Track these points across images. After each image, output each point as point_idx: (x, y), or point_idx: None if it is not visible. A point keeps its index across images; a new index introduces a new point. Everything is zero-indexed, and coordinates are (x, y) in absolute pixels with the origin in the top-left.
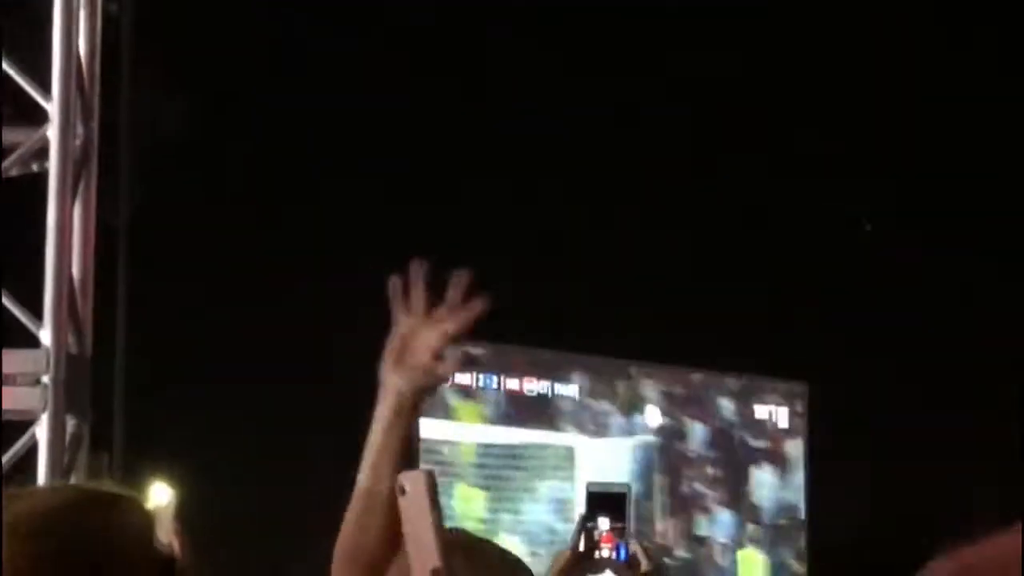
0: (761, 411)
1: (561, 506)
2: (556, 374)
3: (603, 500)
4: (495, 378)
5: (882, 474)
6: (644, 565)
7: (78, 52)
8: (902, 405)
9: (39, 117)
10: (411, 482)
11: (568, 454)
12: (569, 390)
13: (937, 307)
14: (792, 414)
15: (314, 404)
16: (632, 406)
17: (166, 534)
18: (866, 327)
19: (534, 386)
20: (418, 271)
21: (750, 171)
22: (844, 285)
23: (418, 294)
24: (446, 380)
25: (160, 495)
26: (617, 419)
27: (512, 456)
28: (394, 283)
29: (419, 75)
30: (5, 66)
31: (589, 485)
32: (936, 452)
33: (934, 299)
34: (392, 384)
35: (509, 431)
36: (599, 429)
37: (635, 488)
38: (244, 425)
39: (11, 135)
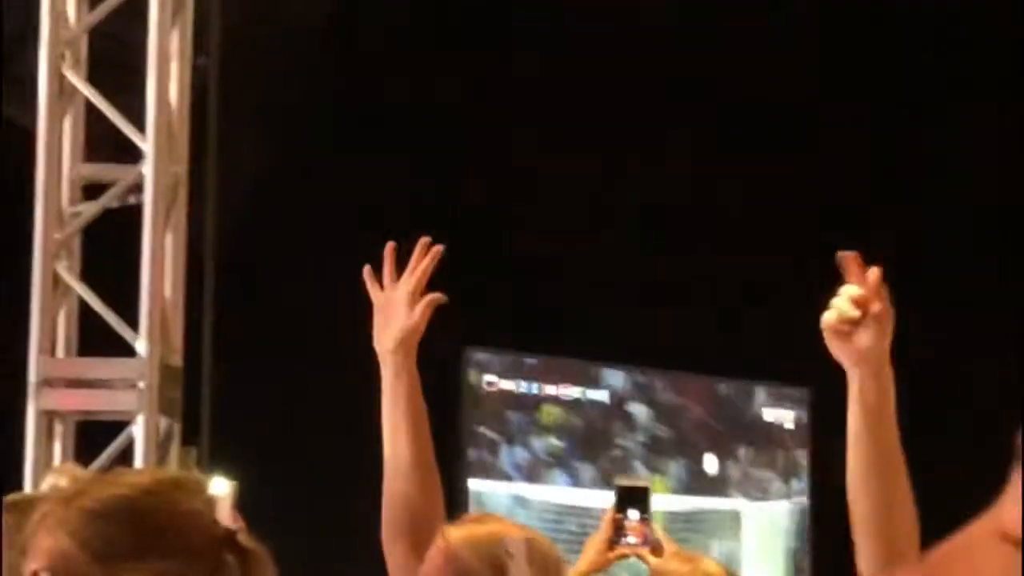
0: (769, 415)
1: (730, 562)
2: (721, 448)
3: (631, 494)
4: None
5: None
6: (667, 548)
7: (170, 98)
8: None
9: (135, 156)
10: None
11: (735, 517)
12: (737, 460)
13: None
14: (797, 419)
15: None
16: (789, 473)
17: (225, 518)
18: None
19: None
20: (389, 253)
21: (752, 177)
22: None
23: (387, 272)
24: (420, 326)
25: (219, 486)
26: (776, 485)
27: (691, 521)
28: (367, 269)
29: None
30: (106, 110)
31: (617, 479)
32: (944, 459)
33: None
34: (382, 350)
35: (689, 499)
36: (762, 494)
37: (792, 544)
38: (320, 427)
39: (111, 172)
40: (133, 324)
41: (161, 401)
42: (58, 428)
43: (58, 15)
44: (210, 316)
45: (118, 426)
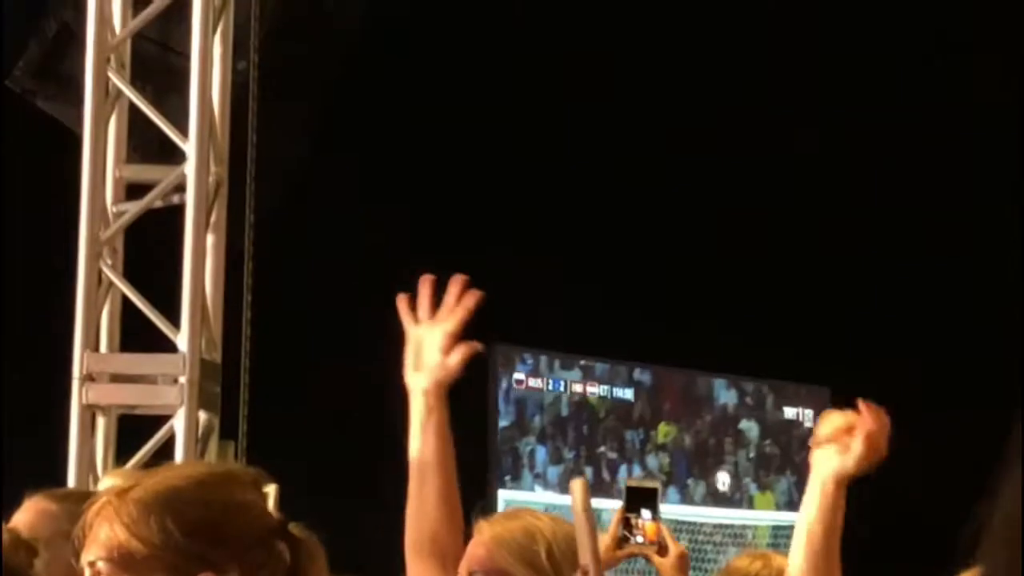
0: (789, 413)
1: None
2: None
3: (641, 494)
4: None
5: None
6: (672, 549)
7: (211, 102)
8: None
9: (177, 157)
10: (574, 488)
11: None
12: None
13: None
14: (816, 417)
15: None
16: None
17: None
18: (887, 331)
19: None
20: (424, 285)
21: (769, 178)
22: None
23: (423, 305)
24: (456, 372)
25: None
26: None
27: None
28: (401, 299)
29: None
30: (149, 113)
31: (628, 481)
32: (955, 451)
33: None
34: (415, 386)
35: (793, 514)
36: None
37: None
38: (355, 421)
39: (154, 172)
40: (174, 321)
41: (201, 396)
42: (101, 422)
43: (104, 20)
44: (249, 313)
45: (159, 420)
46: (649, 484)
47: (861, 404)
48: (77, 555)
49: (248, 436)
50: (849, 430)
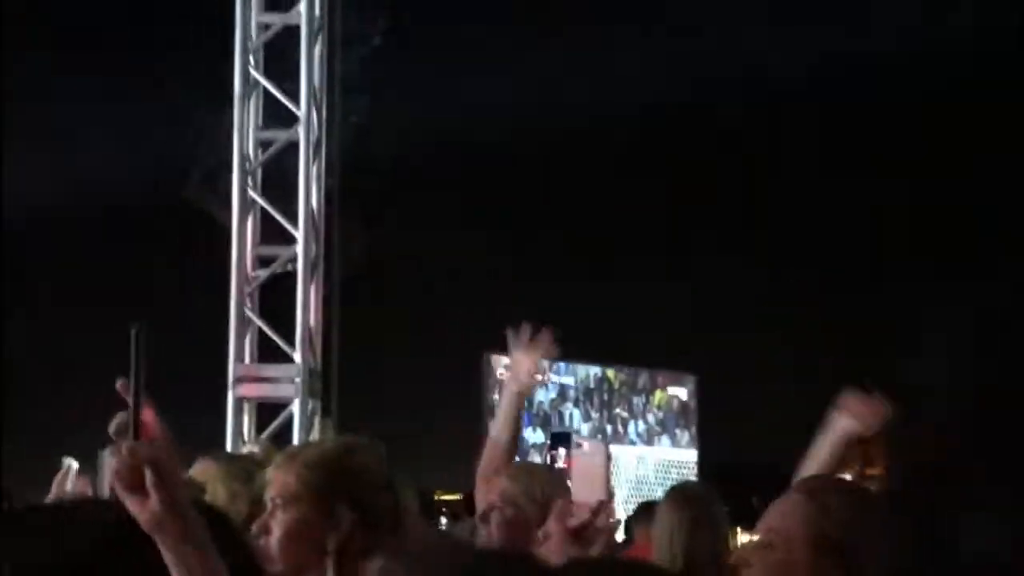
0: (673, 391)
1: None
2: None
3: (560, 437)
4: None
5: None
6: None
7: (311, 204)
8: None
9: (290, 240)
10: (591, 446)
11: None
12: None
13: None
14: (688, 400)
15: (455, 401)
16: None
17: None
18: (752, 323)
19: None
20: (525, 329)
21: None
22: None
23: (523, 338)
24: (535, 386)
25: None
26: None
27: None
28: (510, 334)
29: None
30: (274, 213)
31: (552, 429)
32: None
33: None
34: (510, 387)
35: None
36: None
37: None
38: (410, 404)
39: (276, 250)
40: (291, 342)
41: (309, 390)
42: (246, 408)
43: (243, 156)
44: (338, 338)
45: (282, 406)
46: (565, 431)
47: (876, 396)
48: (260, 496)
49: (339, 416)
50: (862, 409)
